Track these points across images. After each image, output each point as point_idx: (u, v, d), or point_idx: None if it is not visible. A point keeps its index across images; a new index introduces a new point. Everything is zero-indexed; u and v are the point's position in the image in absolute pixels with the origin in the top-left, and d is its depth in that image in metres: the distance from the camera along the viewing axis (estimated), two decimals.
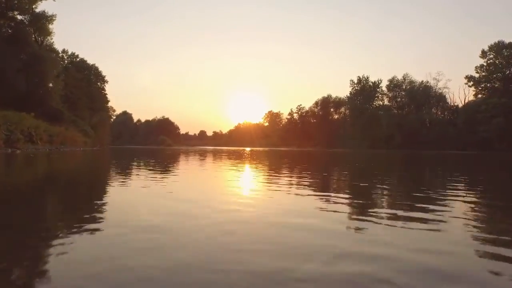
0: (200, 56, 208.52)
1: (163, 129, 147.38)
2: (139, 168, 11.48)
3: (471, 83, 71.04)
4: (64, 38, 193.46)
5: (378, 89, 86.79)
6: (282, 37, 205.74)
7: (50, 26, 44.74)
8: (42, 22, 41.93)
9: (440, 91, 78.40)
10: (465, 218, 3.58)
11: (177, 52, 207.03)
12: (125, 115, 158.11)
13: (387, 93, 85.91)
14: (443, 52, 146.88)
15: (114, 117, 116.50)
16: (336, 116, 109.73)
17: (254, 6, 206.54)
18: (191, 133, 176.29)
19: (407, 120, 75.59)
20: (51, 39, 47.39)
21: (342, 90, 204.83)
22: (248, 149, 65.78)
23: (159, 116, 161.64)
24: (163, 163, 14.86)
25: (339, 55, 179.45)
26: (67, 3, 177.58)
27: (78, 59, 79.49)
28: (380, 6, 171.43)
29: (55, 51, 47.44)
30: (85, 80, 73.96)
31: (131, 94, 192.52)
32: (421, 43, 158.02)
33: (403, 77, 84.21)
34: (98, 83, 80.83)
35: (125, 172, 10.00)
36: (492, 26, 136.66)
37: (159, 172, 9.87)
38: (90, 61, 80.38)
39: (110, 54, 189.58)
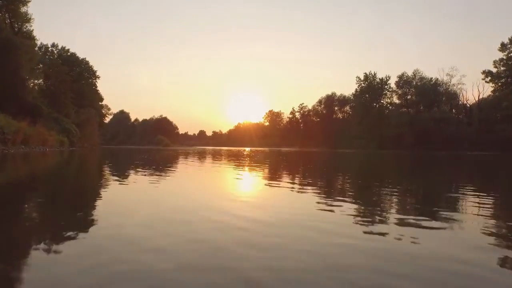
0: (200, 56, 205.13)
1: (161, 128, 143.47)
2: (89, 185, 7.44)
3: (489, 78, 66.07)
4: (63, 37, 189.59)
5: (386, 86, 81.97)
6: (283, 36, 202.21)
7: (28, 10, 40.18)
8: (15, 4, 37.16)
9: (455, 87, 73.47)
10: None
11: (177, 52, 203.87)
12: (122, 114, 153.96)
13: (396, 90, 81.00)
14: (449, 49, 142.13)
15: (111, 116, 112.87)
16: (340, 115, 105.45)
17: (254, 6, 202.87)
18: (190, 133, 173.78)
19: (418, 119, 70.78)
20: (30, 26, 42.71)
21: (344, 90, 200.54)
22: (248, 149, 62.51)
23: (157, 116, 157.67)
24: (141, 169, 11.08)
25: (339, 54, 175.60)
26: (67, 2, 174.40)
27: (69, 54, 75.08)
28: (380, 5, 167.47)
29: (33, 39, 42.60)
30: (76, 75, 69.40)
31: (130, 93, 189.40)
32: (424, 41, 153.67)
33: (413, 73, 79.29)
34: (90, 79, 76.32)
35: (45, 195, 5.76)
36: (495, 22, 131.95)
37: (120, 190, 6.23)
38: (90, 60, 76.19)
39: (109, 54, 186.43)
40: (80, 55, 74.42)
